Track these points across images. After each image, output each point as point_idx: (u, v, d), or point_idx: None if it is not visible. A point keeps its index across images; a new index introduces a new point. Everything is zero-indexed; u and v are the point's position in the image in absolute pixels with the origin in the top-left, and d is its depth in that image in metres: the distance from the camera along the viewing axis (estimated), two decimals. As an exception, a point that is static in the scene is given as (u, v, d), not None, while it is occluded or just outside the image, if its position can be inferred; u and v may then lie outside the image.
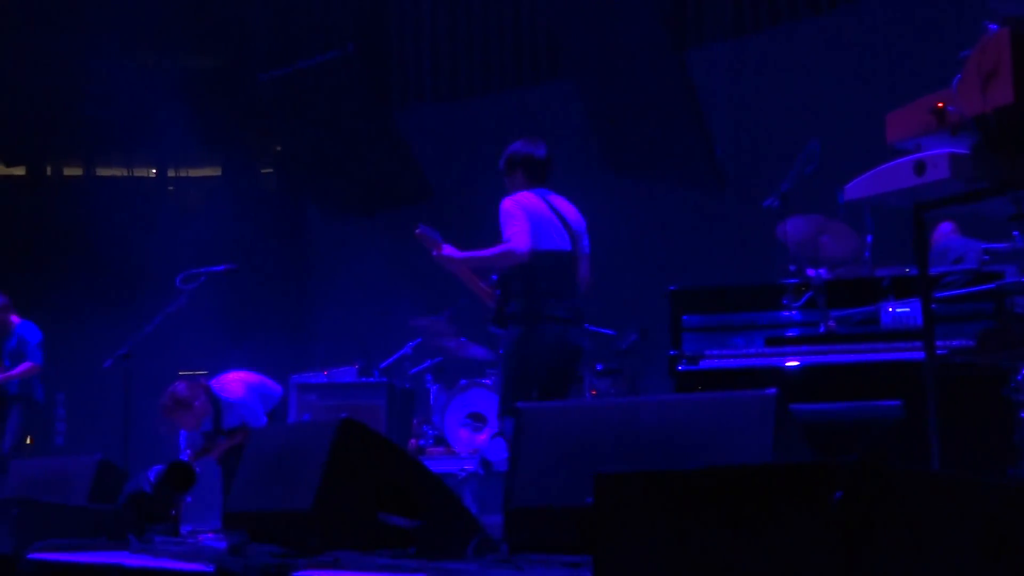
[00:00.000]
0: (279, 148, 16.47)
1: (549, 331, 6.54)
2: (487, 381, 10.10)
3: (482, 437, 9.80)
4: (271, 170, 17.18)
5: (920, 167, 4.17)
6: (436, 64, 14.09)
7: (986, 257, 5.78)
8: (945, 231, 8.11)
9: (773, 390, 3.52)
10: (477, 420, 9.95)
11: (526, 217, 6.62)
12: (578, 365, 6.95)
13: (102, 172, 17.17)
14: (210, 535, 5.99)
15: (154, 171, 17.46)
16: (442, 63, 14.05)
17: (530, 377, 6.65)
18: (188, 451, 8.78)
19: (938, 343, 4.75)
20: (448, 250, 6.95)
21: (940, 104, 4.11)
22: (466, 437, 9.97)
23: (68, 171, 17.24)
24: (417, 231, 7.15)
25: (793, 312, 6.00)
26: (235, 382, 8.90)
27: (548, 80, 13.17)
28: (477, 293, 7.17)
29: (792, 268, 6.36)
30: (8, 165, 17.01)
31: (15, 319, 10.80)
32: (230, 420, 8.72)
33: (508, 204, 6.73)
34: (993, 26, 4.00)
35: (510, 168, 7.02)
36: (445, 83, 14.04)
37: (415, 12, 14.28)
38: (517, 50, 13.48)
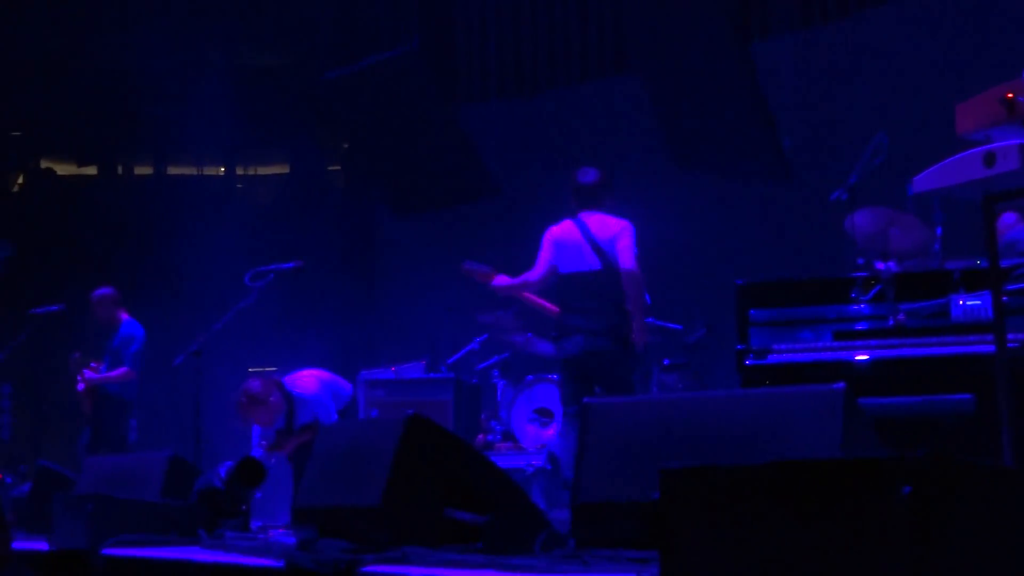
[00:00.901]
0: (346, 145, 16.56)
1: (574, 341, 7.50)
2: (554, 376, 10.09)
3: (549, 432, 9.81)
4: (338, 167, 17.28)
5: (990, 158, 4.13)
6: (501, 59, 14.10)
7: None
8: (1009, 221, 7.95)
9: (841, 384, 3.50)
10: (544, 415, 9.96)
11: (550, 249, 7.65)
12: (614, 370, 7.55)
13: (172, 171, 17.36)
14: (280, 530, 6.04)
15: (223, 169, 17.63)
16: (507, 58, 14.05)
17: (569, 381, 7.63)
18: (261, 445, 8.85)
19: (1009, 336, 4.69)
20: (499, 280, 7.94)
21: (1010, 95, 4.07)
22: (533, 432, 9.99)
23: (139, 170, 17.46)
24: (464, 267, 8.11)
25: (862, 306, 5.94)
26: (308, 378, 8.97)
27: (613, 75, 13.14)
28: (543, 312, 8.20)
29: (860, 261, 6.31)
30: (80, 165, 17.25)
31: (123, 316, 10.82)
32: (303, 416, 8.79)
33: (544, 236, 7.74)
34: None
35: (571, 196, 7.85)
36: (510, 79, 14.04)
37: (480, 7, 14.29)
38: (582, 45, 13.46)
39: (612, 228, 7.63)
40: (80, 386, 10.59)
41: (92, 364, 10.59)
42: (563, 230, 7.67)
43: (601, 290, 7.53)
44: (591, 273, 7.56)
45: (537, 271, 7.67)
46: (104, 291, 10.81)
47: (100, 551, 4.91)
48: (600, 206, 7.74)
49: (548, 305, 8.05)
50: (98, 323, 10.77)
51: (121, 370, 10.54)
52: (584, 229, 7.60)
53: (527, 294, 8.04)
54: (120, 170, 17.37)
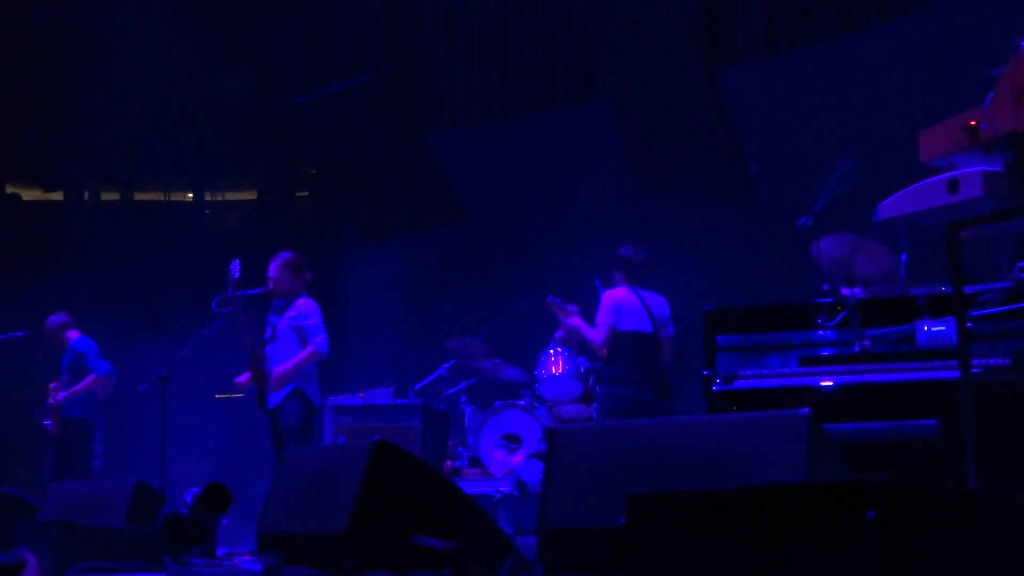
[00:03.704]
0: (314, 171, 16.52)
1: (626, 392, 8.58)
2: (522, 402, 10.09)
3: (517, 458, 9.81)
4: (306, 193, 17.24)
5: (953, 185, 4.15)
6: (469, 86, 14.13)
7: (1022, 276, 5.73)
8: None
9: (806, 410, 3.51)
10: (512, 441, 9.95)
11: (611, 313, 8.71)
12: (655, 414, 8.51)
13: (139, 196, 17.27)
14: (246, 557, 6.01)
15: (191, 195, 17.56)
16: (475, 85, 14.08)
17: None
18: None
19: (974, 362, 4.72)
20: (575, 320, 9.16)
21: (973, 122, 4.10)
22: (501, 458, 9.97)
23: (105, 195, 17.35)
24: (548, 300, 9.34)
25: (828, 331, 5.97)
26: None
27: (581, 101, 13.18)
28: (579, 336, 9.33)
29: (826, 287, 6.34)
30: (46, 190, 17.14)
31: (73, 334, 10.81)
32: (299, 314, 8.70)
33: (605, 298, 8.82)
34: (1026, 44, 3.99)
35: (616, 264, 8.96)
36: (478, 105, 14.07)
37: (447, 34, 14.32)
38: (550, 72, 13.50)
39: (662, 304, 8.97)
40: (48, 420, 10.53)
41: (52, 385, 10.55)
42: (623, 295, 8.82)
43: (650, 349, 8.76)
44: (646, 335, 8.75)
45: (601, 333, 8.74)
46: (57, 317, 10.84)
47: (64, 578, 4.87)
48: (647, 282, 8.96)
49: (588, 334, 8.94)
50: (54, 349, 10.76)
51: (89, 378, 10.48)
52: (642, 298, 8.84)
53: (575, 323, 9.17)
54: (87, 195, 17.26)
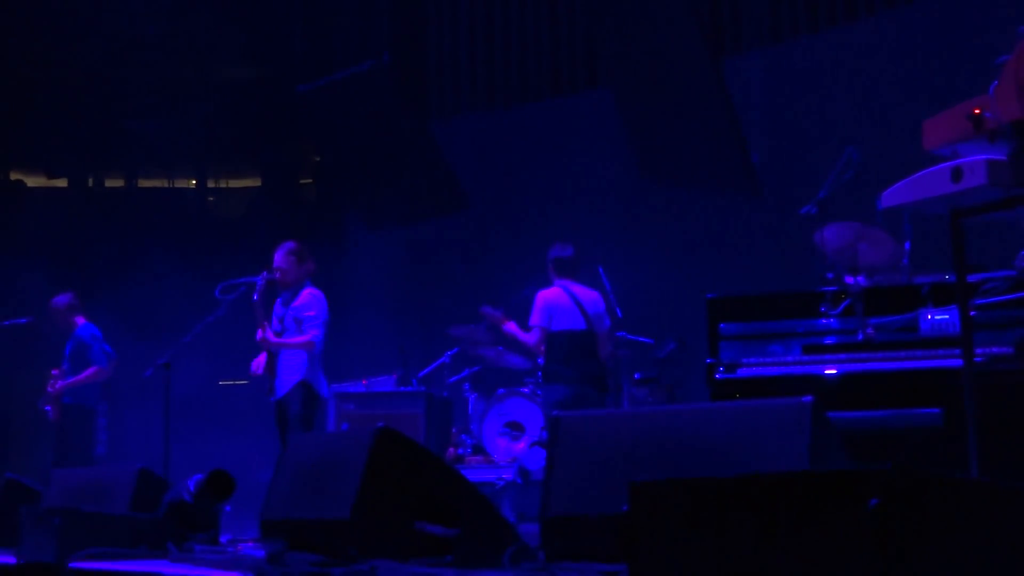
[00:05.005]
0: (318, 158, 16.52)
1: (561, 389, 8.73)
2: (525, 390, 10.10)
3: (520, 446, 9.82)
4: (310, 180, 17.23)
5: (957, 174, 4.15)
6: (472, 74, 14.11)
7: (1024, 264, 5.72)
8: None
9: (809, 398, 3.51)
10: (515, 429, 9.96)
11: (542, 315, 8.89)
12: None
13: (143, 183, 17.27)
14: (250, 544, 6.01)
15: (194, 182, 17.56)
16: (478, 73, 14.07)
17: None
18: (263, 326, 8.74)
19: (977, 350, 4.72)
20: (509, 326, 9.26)
21: (977, 110, 4.09)
22: (504, 446, 9.99)
23: (109, 182, 17.34)
24: (481, 310, 9.49)
25: (831, 320, 5.96)
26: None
27: (585, 89, 13.16)
28: (515, 341, 9.47)
29: (830, 275, 6.33)
30: (50, 177, 17.15)
31: (79, 320, 10.73)
32: (307, 307, 8.70)
33: (537, 300, 8.99)
34: (1030, 32, 3.98)
35: (548, 265, 9.12)
36: (482, 93, 14.06)
37: (451, 22, 14.31)
38: (553, 59, 13.48)
39: (593, 297, 9.08)
40: (48, 406, 10.50)
41: (54, 372, 10.50)
42: (554, 295, 8.96)
43: (584, 345, 8.86)
44: (578, 332, 8.85)
45: (534, 336, 8.95)
46: (64, 297, 10.75)
47: (68, 564, 4.88)
48: (577, 276, 9.08)
49: (522, 337, 9.11)
50: (58, 330, 10.70)
51: (91, 369, 10.44)
52: (573, 296, 8.94)
53: (510, 329, 9.25)
54: (91, 182, 17.25)
